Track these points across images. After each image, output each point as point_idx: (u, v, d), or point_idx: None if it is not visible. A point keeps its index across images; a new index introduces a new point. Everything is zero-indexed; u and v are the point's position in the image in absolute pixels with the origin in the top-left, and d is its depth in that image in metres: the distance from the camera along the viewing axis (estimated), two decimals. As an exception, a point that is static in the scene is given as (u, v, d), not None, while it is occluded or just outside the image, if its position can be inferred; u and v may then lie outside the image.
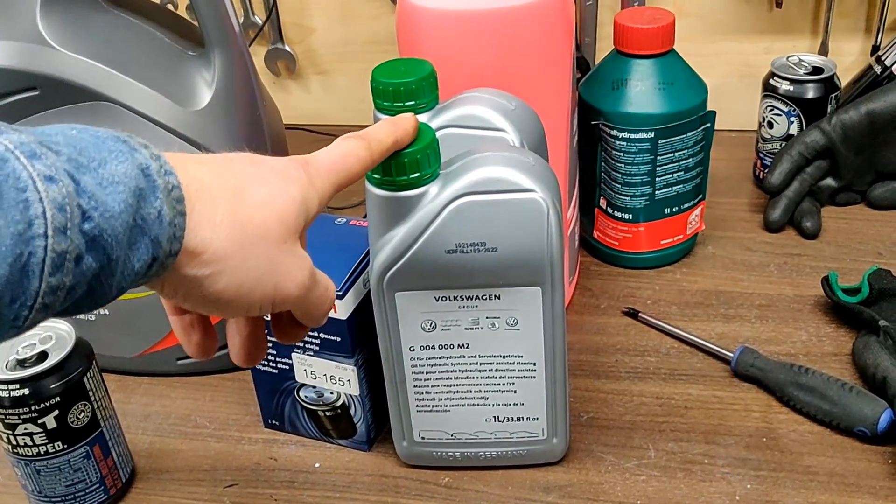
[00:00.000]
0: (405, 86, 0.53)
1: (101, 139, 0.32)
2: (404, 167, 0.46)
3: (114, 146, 0.32)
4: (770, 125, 0.81)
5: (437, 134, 0.52)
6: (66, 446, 0.53)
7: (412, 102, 0.53)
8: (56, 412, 0.52)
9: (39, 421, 0.51)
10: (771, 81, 0.80)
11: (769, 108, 0.81)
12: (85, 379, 0.53)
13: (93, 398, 0.53)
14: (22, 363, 0.52)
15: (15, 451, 0.53)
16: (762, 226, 0.79)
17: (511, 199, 0.47)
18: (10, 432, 0.52)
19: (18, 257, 0.28)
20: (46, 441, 0.52)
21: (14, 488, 0.58)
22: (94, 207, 0.30)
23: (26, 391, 0.51)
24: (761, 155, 0.84)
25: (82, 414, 0.53)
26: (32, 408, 0.51)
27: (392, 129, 0.45)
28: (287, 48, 1.00)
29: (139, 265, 0.32)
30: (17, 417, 0.51)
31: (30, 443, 0.52)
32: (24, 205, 0.28)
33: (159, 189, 0.32)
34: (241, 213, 0.35)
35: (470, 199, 0.47)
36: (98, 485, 0.55)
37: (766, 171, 0.79)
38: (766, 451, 0.57)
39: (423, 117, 0.53)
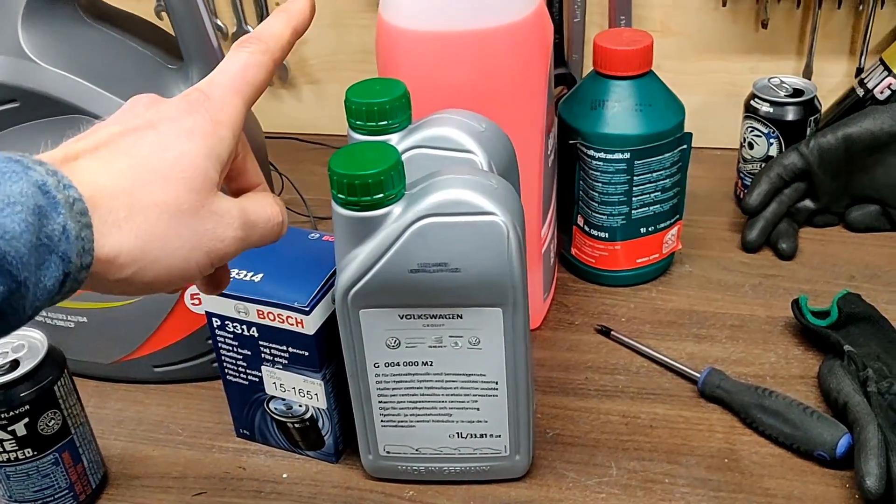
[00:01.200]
0: (378, 105, 0.54)
1: None
2: (368, 188, 0.47)
3: (5, 167, 0.31)
4: (750, 146, 0.82)
5: (407, 154, 0.53)
6: (35, 453, 0.54)
7: (385, 122, 0.54)
8: (26, 419, 0.53)
9: (9, 428, 0.52)
10: (752, 103, 0.81)
11: (750, 129, 0.81)
12: (56, 387, 0.54)
13: (63, 406, 0.54)
14: (-6, 370, 0.53)
15: (-14, 455, 0.54)
16: (740, 246, 0.80)
17: (472, 221, 0.48)
18: (-19, 438, 0.53)
19: None
20: (16, 447, 0.53)
21: (-14, 491, 0.59)
22: None
23: (-3, 398, 0.52)
24: (742, 175, 0.84)
25: (52, 421, 0.54)
26: (2, 415, 0.52)
27: (286, 19, 0.42)
28: (279, 57, 1.01)
29: (51, 283, 0.32)
30: (-13, 423, 0.52)
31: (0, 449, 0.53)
32: None
33: (60, 204, 0.31)
34: (144, 201, 0.34)
35: (432, 221, 0.48)
36: (67, 490, 0.56)
37: (745, 191, 0.80)
38: (727, 472, 0.58)
39: (395, 137, 0.54)
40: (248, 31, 0.99)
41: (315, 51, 1.01)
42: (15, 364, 0.53)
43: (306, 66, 1.02)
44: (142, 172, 0.35)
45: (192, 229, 0.35)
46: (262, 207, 0.40)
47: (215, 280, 0.45)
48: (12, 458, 0.54)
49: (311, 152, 1.01)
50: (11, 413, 0.52)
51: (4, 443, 0.53)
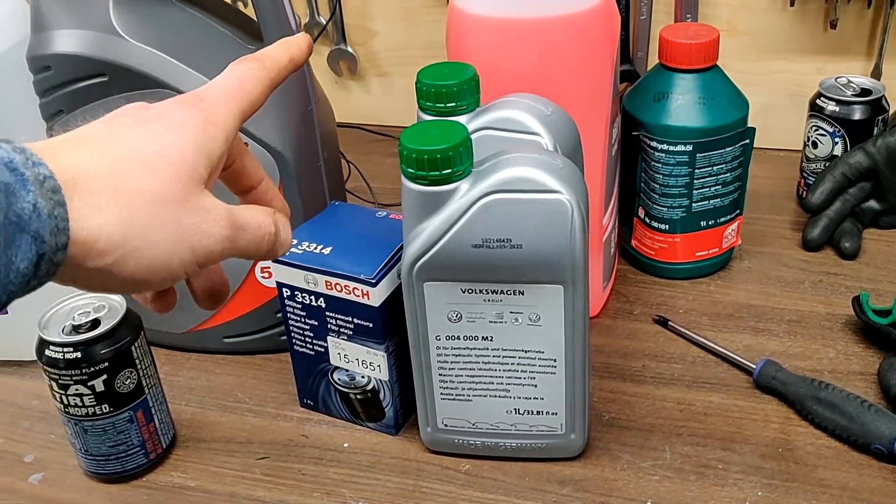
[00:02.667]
0: (447, 88, 0.56)
1: None
2: (437, 163, 0.49)
3: None
4: (814, 145, 0.82)
5: (475, 135, 0.55)
6: (112, 409, 0.57)
7: (453, 104, 0.56)
8: (105, 376, 0.55)
9: (89, 383, 0.55)
10: (818, 102, 0.81)
11: (814, 128, 0.81)
12: (133, 348, 0.57)
13: (139, 366, 0.57)
14: (76, 329, 0.56)
15: (66, 410, 0.57)
16: (800, 244, 0.79)
17: (537, 198, 0.49)
18: (63, 392, 0.56)
19: None
20: (94, 403, 0.56)
21: (65, 446, 0.62)
22: None
23: (79, 354, 0.55)
24: (805, 174, 0.84)
25: (128, 380, 0.57)
26: (84, 370, 0.55)
27: (285, 48, 0.43)
28: (349, 49, 1.04)
29: (24, 265, 0.30)
30: (69, 379, 0.55)
31: (79, 403, 0.56)
32: None
33: (29, 181, 0.30)
34: (127, 183, 0.33)
35: (498, 197, 0.49)
36: (139, 448, 0.59)
37: (808, 190, 0.80)
38: (781, 461, 0.58)
39: (464, 118, 0.56)
40: (319, 23, 1.02)
41: (385, 44, 1.04)
42: (95, 323, 0.56)
43: (376, 58, 1.05)
44: (127, 160, 0.34)
45: (176, 221, 0.34)
46: (254, 215, 0.39)
47: (211, 292, 0.43)
48: (90, 413, 0.56)
49: (378, 143, 1.04)
50: (91, 369, 0.55)
51: (84, 398, 0.56)
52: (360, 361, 0.60)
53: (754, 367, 0.64)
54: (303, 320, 0.60)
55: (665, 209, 0.73)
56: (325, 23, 1.02)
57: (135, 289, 0.35)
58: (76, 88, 0.61)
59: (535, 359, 0.55)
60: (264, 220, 0.39)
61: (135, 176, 0.34)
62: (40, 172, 0.31)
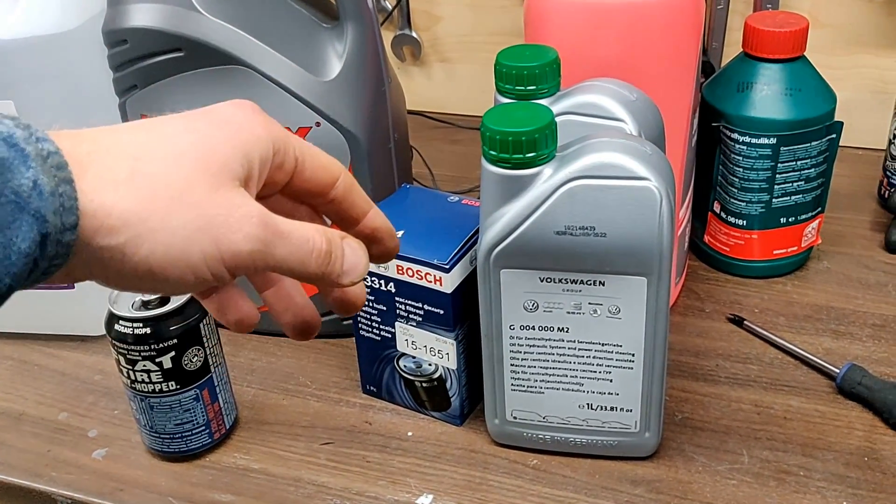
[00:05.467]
0: (528, 70, 0.54)
1: None
2: (521, 146, 0.47)
3: None
4: (901, 143, 0.78)
5: (557, 119, 0.53)
6: (178, 386, 0.56)
7: (534, 87, 0.54)
8: (173, 353, 0.55)
9: (157, 360, 0.55)
10: (906, 97, 0.77)
11: (902, 125, 0.78)
12: (201, 325, 0.56)
13: (206, 344, 0.56)
14: (146, 304, 0.55)
15: (133, 386, 0.56)
16: (883, 245, 0.76)
17: (625, 185, 0.47)
18: (131, 367, 0.55)
19: None
20: (162, 380, 0.55)
21: (129, 422, 0.61)
22: None
23: (148, 330, 0.54)
24: (889, 173, 0.81)
25: (196, 358, 0.56)
26: (152, 346, 0.54)
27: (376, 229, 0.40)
28: (414, 34, 1.03)
29: (26, 245, 0.28)
30: (137, 354, 0.55)
31: (147, 379, 0.55)
32: None
33: (30, 157, 0.28)
34: (150, 166, 0.31)
35: (583, 183, 0.48)
36: (204, 427, 0.58)
37: (892, 190, 0.76)
38: (868, 470, 0.55)
39: (544, 102, 0.54)
40: (385, 8, 1.01)
41: (449, 30, 1.02)
42: (165, 300, 0.56)
43: (439, 44, 1.03)
44: (155, 145, 0.32)
45: (199, 208, 0.32)
46: (302, 226, 0.35)
47: (300, 327, 0.40)
48: (157, 390, 0.56)
49: (439, 130, 1.02)
50: (160, 345, 0.54)
51: (151, 374, 0.55)
52: (428, 349, 0.59)
53: (838, 371, 0.61)
54: (370, 304, 0.59)
55: (743, 204, 0.71)
56: (390, 8, 1.01)
57: (152, 281, 0.32)
58: (151, 63, 0.60)
59: (612, 353, 0.53)
60: (314, 235, 0.35)
61: (160, 161, 0.32)
62: (44, 148, 0.29)
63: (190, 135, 0.33)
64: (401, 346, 0.60)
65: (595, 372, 0.54)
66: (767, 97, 0.68)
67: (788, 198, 0.70)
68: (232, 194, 0.33)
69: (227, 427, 0.60)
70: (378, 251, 0.41)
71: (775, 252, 0.73)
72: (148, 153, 0.32)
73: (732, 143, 0.69)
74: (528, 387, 0.56)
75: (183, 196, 0.31)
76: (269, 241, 0.33)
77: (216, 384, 0.58)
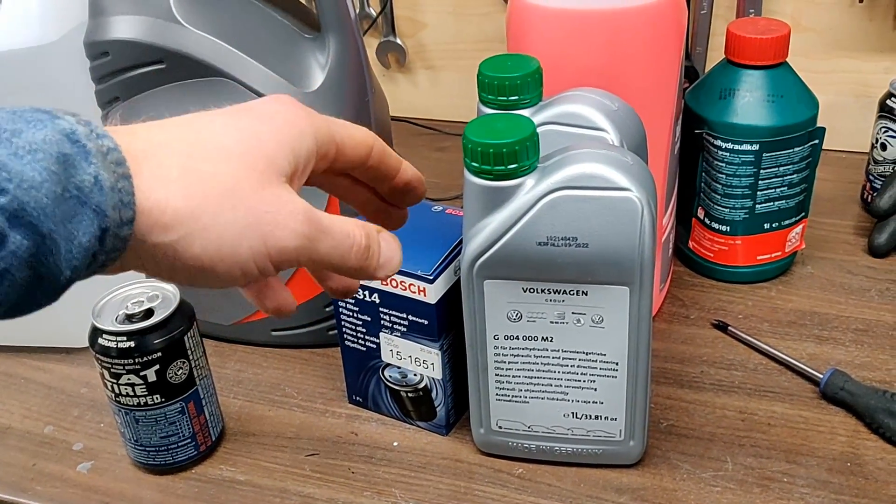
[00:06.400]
0: (510, 80, 0.54)
1: (18, 113, 0.29)
2: (503, 157, 0.47)
3: (32, 116, 0.29)
4: (883, 147, 0.79)
5: (539, 130, 0.53)
6: (163, 400, 0.56)
7: (516, 97, 0.55)
8: (157, 366, 0.55)
9: (141, 373, 0.55)
10: (888, 102, 0.78)
11: (884, 130, 0.78)
12: (185, 338, 0.56)
13: (191, 357, 0.56)
14: (130, 318, 0.55)
15: (117, 399, 0.56)
16: (866, 250, 0.77)
17: (606, 196, 0.47)
18: (115, 381, 0.55)
19: None
20: (146, 393, 0.55)
21: (114, 435, 0.61)
22: (7, 179, 0.27)
23: (132, 344, 0.54)
24: (871, 177, 0.81)
25: (181, 371, 0.56)
26: (136, 360, 0.54)
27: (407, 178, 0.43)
28: (398, 41, 1.03)
29: (86, 239, 0.29)
30: (121, 368, 0.54)
31: (131, 393, 0.55)
32: None
33: (91, 153, 0.29)
34: (201, 165, 0.32)
35: (565, 194, 0.48)
36: (190, 440, 0.58)
37: (874, 194, 0.77)
38: (850, 476, 0.56)
39: (526, 112, 0.54)
40: (369, 14, 1.01)
41: (434, 37, 1.02)
42: (149, 313, 0.55)
43: (424, 51, 1.03)
44: (205, 143, 0.33)
45: (248, 206, 0.33)
46: (343, 222, 0.36)
47: (345, 292, 0.43)
48: (142, 403, 0.56)
49: (424, 137, 1.02)
50: (144, 359, 0.54)
51: (136, 387, 0.55)
52: (412, 359, 0.59)
53: (821, 376, 0.61)
54: (355, 315, 0.59)
55: (727, 210, 0.71)
56: (375, 15, 1.01)
57: (201, 276, 0.33)
58: (133, 75, 0.60)
59: (596, 362, 0.53)
60: (354, 231, 0.36)
61: (209, 159, 0.33)
62: (104, 144, 0.30)
63: (237, 132, 0.34)
64: (386, 357, 0.60)
65: (579, 381, 0.54)
66: (750, 104, 0.68)
67: (772, 203, 0.70)
68: (279, 191, 0.34)
69: (213, 439, 0.60)
70: (411, 199, 0.44)
71: (759, 258, 0.73)
72: (197, 151, 0.33)
73: (715, 150, 0.69)
74: (512, 396, 0.56)
75: (232, 193, 0.32)
76: (314, 237, 0.35)
77: (202, 396, 0.58)
